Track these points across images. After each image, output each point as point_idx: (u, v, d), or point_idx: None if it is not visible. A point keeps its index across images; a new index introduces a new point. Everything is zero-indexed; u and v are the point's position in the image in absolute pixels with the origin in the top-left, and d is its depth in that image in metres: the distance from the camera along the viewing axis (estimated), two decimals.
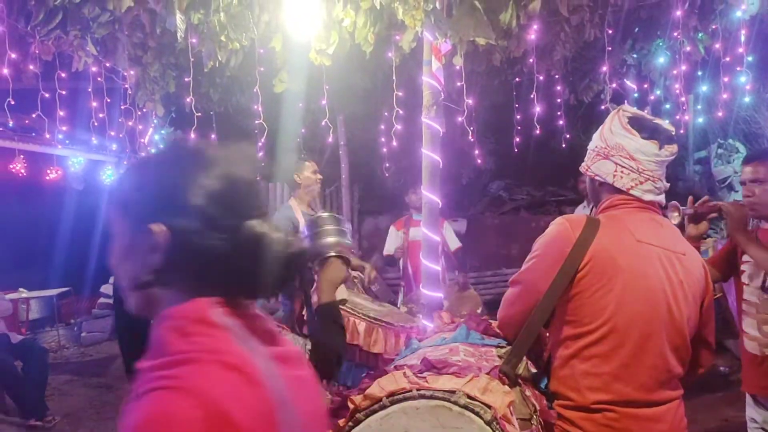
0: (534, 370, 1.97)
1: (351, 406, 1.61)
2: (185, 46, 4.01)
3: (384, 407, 1.57)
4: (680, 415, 1.86)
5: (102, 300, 8.70)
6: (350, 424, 1.60)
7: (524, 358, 1.88)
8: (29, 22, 4.32)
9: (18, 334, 6.15)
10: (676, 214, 2.59)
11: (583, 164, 1.98)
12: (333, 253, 2.23)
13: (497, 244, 6.63)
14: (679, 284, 1.81)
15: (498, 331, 2.12)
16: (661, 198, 1.90)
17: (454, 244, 5.94)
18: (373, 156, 8.73)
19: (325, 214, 2.37)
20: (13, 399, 5.44)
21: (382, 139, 7.28)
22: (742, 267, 2.65)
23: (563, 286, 1.77)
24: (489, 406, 1.53)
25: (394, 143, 5.36)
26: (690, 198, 2.63)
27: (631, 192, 1.85)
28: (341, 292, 3.10)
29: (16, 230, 9.16)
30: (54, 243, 9.09)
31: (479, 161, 7.36)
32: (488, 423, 1.50)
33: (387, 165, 7.61)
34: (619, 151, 1.85)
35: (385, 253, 6.08)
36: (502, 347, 1.99)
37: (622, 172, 1.85)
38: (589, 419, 1.76)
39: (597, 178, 1.92)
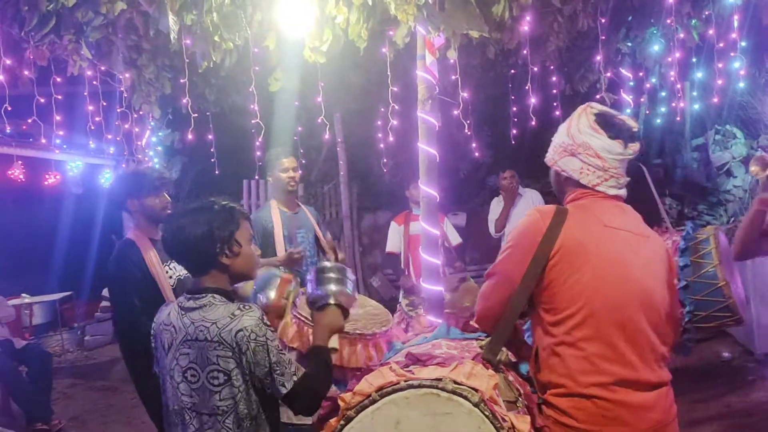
0: (513, 359, 2.04)
1: (342, 404, 1.64)
2: (179, 48, 4.01)
3: (374, 401, 1.62)
4: (670, 402, 1.91)
5: (104, 303, 8.71)
6: (342, 422, 1.64)
7: (503, 348, 1.94)
8: (23, 28, 4.31)
9: (22, 339, 6.17)
10: (756, 168, 2.57)
11: (548, 157, 2.05)
12: (333, 302, 2.28)
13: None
14: (648, 264, 1.89)
15: (476, 326, 2.16)
16: (624, 192, 1.98)
17: (456, 239, 5.95)
18: (370, 152, 8.74)
19: (330, 264, 2.41)
20: (18, 404, 5.46)
21: (379, 135, 7.27)
22: None
23: (536, 275, 1.84)
24: (476, 390, 1.59)
25: (391, 139, 5.37)
26: None
27: (597, 188, 1.94)
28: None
29: (16, 236, 9.18)
30: (54, 247, 9.11)
31: (477, 154, 7.36)
32: (476, 405, 1.56)
33: (385, 161, 7.63)
34: (586, 149, 1.93)
35: (387, 250, 6.05)
36: (482, 339, 2.08)
37: (588, 169, 1.93)
38: (581, 408, 1.79)
39: (563, 173, 2.00)
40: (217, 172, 6.74)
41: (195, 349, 1.95)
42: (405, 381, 1.61)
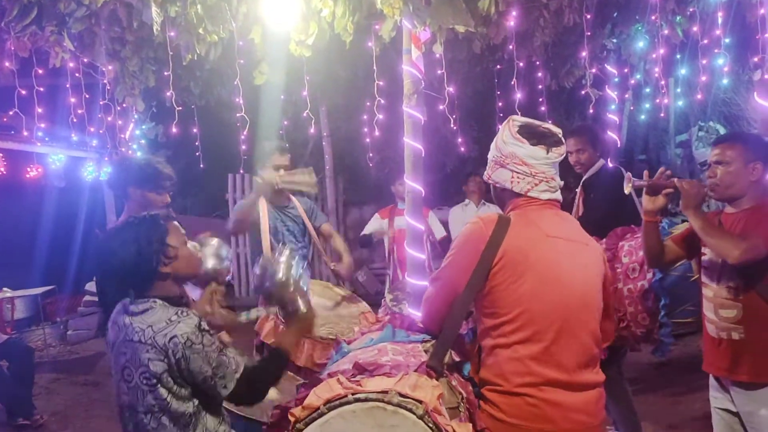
0: (457, 359, 2.13)
1: (291, 418, 1.68)
2: (163, 40, 3.97)
3: (322, 414, 1.67)
4: (599, 407, 2.01)
5: (87, 298, 8.64)
6: None
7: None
8: (3, 19, 4.25)
9: (3, 334, 6.09)
10: (629, 184, 2.66)
11: (485, 174, 2.15)
12: (304, 309, 2.28)
13: None
14: (586, 271, 1.99)
15: (422, 327, 2.24)
16: (558, 195, 2.07)
17: (440, 233, 5.96)
18: (356, 146, 8.72)
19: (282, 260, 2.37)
20: None
21: (365, 130, 7.26)
22: (703, 249, 2.67)
23: (480, 282, 1.92)
24: (420, 402, 1.65)
25: (377, 133, 5.36)
26: (645, 172, 2.69)
27: (529, 194, 2.03)
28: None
29: None
30: (36, 241, 9.01)
31: (462, 149, 7.37)
32: (420, 417, 1.63)
33: (371, 155, 7.61)
34: (513, 159, 2.03)
35: (362, 233, 6.10)
36: (427, 341, 2.13)
37: (517, 177, 2.03)
38: (512, 404, 1.89)
39: (497, 185, 2.10)
40: (201, 166, 6.70)
41: (130, 349, 1.96)
42: (352, 394, 1.67)
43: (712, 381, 2.74)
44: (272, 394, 2.88)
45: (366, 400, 1.65)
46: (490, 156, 2.13)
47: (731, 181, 2.56)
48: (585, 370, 1.95)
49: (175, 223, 2.14)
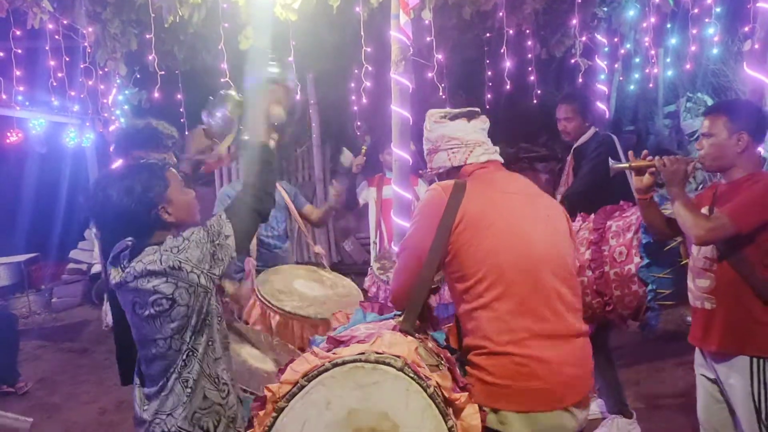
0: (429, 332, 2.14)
1: (269, 394, 1.69)
2: (145, 1, 3.86)
3: (302, 387, 1.65)
4: (587, 357, 2.05)
5: (71, 265, 8.58)
6: (274, 414, 1.66)
7: (418, 321, 2.03)
8: None
9: None
10: (611, 168, 2.71)
11: (427, 175, 2.22)
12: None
13: None
14: (547, 220, 2.05)
15: (392, 306, 2.25)
16: (497, 156, 2.17)
17: None
18: (344, 114, 8.63)
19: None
20: None
21: (353, 97, 7.17)
22: None
23: (443, 246, 1.96)
24: (398, 356, 1.65)
25: (365, 101, 5.29)
26: (630, 152, 2.70)
27: (468, 162, 2.12)
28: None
29: None
30: (18, 208, 8.91)
31: None
32: (401, 369, 1.62)
33: (358, 123, 7.53)
34: (443, 139, 2.14)
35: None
36: (399, 316, 2.12)
37: (453, 152, 2.14)
38: (499, 365, 1.91)
39: (441, 170, 2.19)
40: (186, 134, 6.59)
41: (132, 286, 1.96)
42: (329, 362, 1.66)
43: (697, 349, 2.77)
44: (269, 366, 2.88)
45: (343, 363, 1.64)
46: (424, 151, 2.24)
47: (717, 153, 2.56)
48: (566, 317, 1.97)
49: (173, 170, 2.14)
